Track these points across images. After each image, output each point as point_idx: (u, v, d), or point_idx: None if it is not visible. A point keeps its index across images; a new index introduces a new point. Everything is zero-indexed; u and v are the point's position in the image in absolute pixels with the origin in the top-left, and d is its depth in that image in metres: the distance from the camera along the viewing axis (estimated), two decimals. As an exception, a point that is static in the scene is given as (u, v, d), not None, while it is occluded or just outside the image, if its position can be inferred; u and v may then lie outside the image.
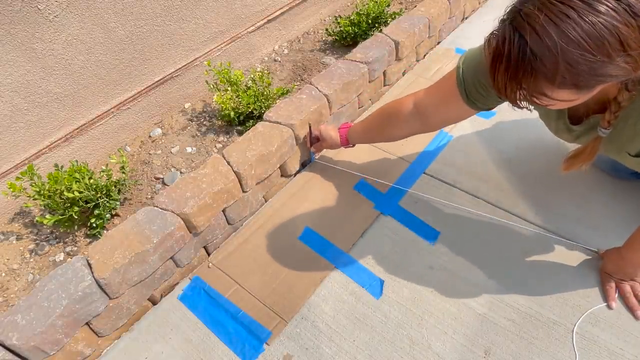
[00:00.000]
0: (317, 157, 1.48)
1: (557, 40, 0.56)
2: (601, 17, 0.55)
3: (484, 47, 0.85)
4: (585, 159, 0.88)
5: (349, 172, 1.41)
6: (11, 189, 1.09)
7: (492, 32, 0.67)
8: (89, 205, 1.15)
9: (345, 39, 1.80)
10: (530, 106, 0.73)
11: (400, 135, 1.20)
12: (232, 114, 1.43)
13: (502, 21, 0.64)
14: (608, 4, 0.55)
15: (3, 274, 1.12)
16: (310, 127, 1.37)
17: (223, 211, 1.23)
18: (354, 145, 1.36)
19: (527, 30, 0.58)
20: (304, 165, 1.50)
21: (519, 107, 0.71)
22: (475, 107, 0.98)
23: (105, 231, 1.20)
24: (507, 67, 0.62)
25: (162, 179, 1.34)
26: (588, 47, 0.55)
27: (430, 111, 1.08)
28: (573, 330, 1.00)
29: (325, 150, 1.49)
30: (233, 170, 1.20)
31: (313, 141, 1.40)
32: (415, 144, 1.50)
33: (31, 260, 1.16)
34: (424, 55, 1.96)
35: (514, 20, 0.61)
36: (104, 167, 1.24)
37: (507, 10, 0.65)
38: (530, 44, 0.58)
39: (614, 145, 0.89)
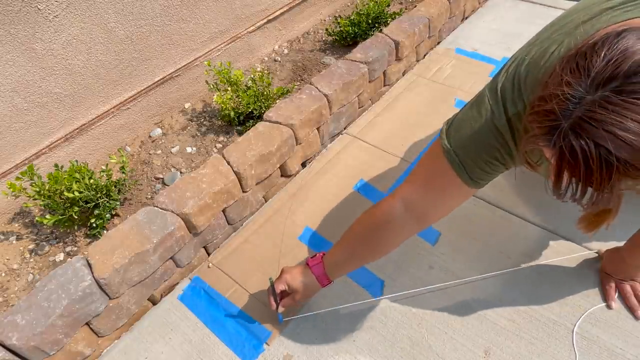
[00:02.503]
0: (285, 319, 1.07)
1: None
2: None
3: (487, 130, 0.75)
4: (612, 217, 0.77)
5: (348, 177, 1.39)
6: (11, 189, 1.09)
7: (541, 136, 0.56)
8: (89, 205, 1.15)
9: (345, 39, 1.80)
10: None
11: (396, 245, 0.95)
12: (232, 114, 1.43)
13: (552, 127, 0.54)
14: None
15: (3, 274, 1.12)
16: (272, 283, 1.03)
17: (223, 211, 1.23)
18: (332, 282, 1.01)
19: (605, 137, 0.50)
20: (304, 165, 1.50)
21: (580, 203, 0.60)
22: (480, 186, 0.84)
23: (105, 231, 1.20)
24: (586, 179, 0.53)
25: (162, 179, 1.34)
26: None
27: (427, 209, 0.89)
28: (573, 330, 1.00)
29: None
30: (233, 170, 1.20)
31: (278, 298, 1.02)
32: (415, 144, 1.50)
33: (31, 260, 1.16)
34: (424, 55, 1.96)
35: (577, 128, 0.51)
36: (104, 167, 1.24)
37: (550, 113, 0.54)
38: (616, 152, 0.50)
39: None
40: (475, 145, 0.79)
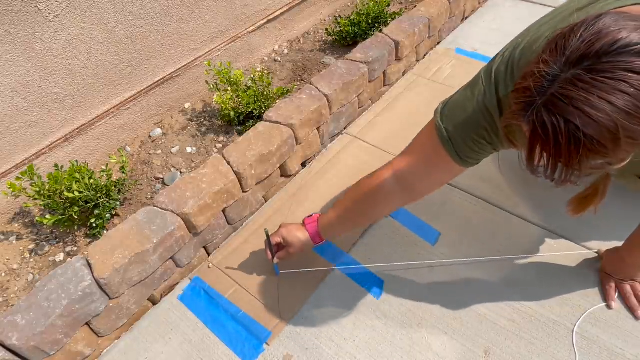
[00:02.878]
0: (282, 271, 1.16)
1: (615, 117, 0.50)
2: None
3: (477, 110, 0.79)
4: (597, 200, 0.80)
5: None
6: (11, 189, 1.09)
7: (518, 112, 0.58)
8: (89, 205, 1.15)
9: (345, 39, 1.80)
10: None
11: (385, 213, 1.06)
12: (232, 114, 1.43)
13: (528, 104, 0.56)
14: None
15: (3, 274, 1.12)
16: (267, 234, 1.10)
17: (223, 211, 1.23)
18: (325, 241, 1.10)
19: (574, 113, 0.52)
20: (304, 165, 1.50)
21: (556, 182, 0.61)
22: (468, 164, 0.87)
23: (105, 231, 1.20)
24: (556, 154, 0.55)
25: (162, 179, 1.34)
26: None
27: (416, 181, 0.94)
28: (573, 330, 1.00)
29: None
30: (233, 170, 1.20)
31: (274, 250, 1.11)
32: (415, 144, 1.50)
33: (31, 260, 1.16)
34: (424, 55, 1.96)
35: (550, 104, 0.54)
36: (104, 167, 1.24)
37: (527, 90, 0.56)
38: (583, 128, 0.52)
39: (622, 173, 0.82)
40: (465, 124, 0.82)
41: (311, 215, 1.10)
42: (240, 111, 1.45)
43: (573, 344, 0.98)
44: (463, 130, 0.82)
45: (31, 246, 1.19)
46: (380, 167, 0.98)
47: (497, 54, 0.81)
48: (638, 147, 0.54)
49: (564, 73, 0.53)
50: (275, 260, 1.11)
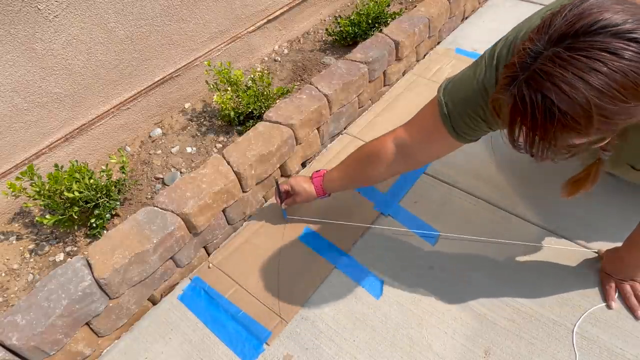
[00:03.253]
0: (289, 216, 1.30)
1: (588, 95, 0.52)
2: (630, 63, 0.51)
3: (476, 89, 0.83)
4: (588, 184, 0.83)
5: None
6: (11, 189, 1.09)
7: (503, 86, 0.61)
8: (89, 205, 1.15)
9: (345, 39, 1.80)
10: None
11: (383, 176, 1.10)
12: (232, 114, 1.43)
13: (512, 78, 0.59)
14: (632, 49, 0.52)
15: (3, 274, 1.12)
16: (277, 183, 1.24)
17: (223, 211, 1.23)
18: (329, 195, 1.23)
19: (550, 89, 0.54)
20: (304, 165, 1.50)
21: (536, 157, 0.65)
22: (464, 140, 0.93)
23: (105, 231, 1.20)
24: (533, 128, 0.58)
25: (162, 179, 1.34)
26: (622, 96, 0.53)
27: (414, 150, 1.00)
28: (573, 330, 1.00)
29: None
30: (233, 170, 1.20)
31: (283, 197, 1.24)
32: (415, 144, 1.50)
33: (31, 260, 1.16)
34: (424, 55, 1.96)
35: (530, 79, 0.56)
36: (104, 167, 1.24)
37: (513, 66, 0.59)
38: (558, 103, 0.54)
39: (615, 162, 0.86)
40: (463, 101, 0.87)
41: (319, 171, 1.21)
42: (240, 111, 1.45)
43: (573, 344, 0.98)
44: (461, 107, 0.87)
45: (31, 246, 1.19)
46: (384, 134, 1.05)
47: (501, 38, 0.84)
48: (613, 127, 0.57)
49: (546, 50, 0.56)
50: (284, 206, 1.26)
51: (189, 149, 1.43)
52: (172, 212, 1.10)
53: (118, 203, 1.23)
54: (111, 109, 1.38)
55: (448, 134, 0.91)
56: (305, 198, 1.21)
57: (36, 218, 1.15)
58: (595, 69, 0.52)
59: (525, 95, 0.57)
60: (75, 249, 1.18)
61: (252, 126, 1.36)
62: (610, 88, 0.52)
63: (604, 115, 0.54)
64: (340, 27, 1.80)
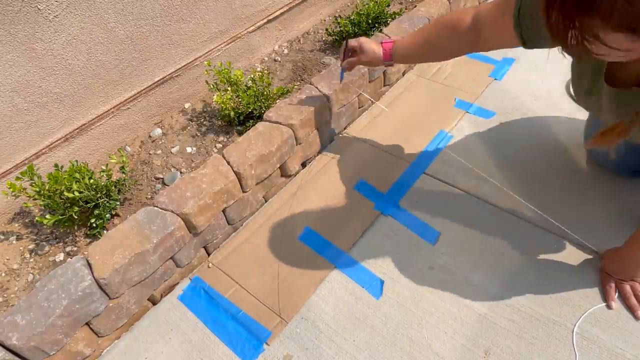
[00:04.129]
0: (346, 73, 1.37)
1: None
2: None
3: None
4: (615, 137, 0.83)
5: (348, 173, 1.40)
6: (11, 189, 1.09)
7: None
8: (89, 205, 1.15)
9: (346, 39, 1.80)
10: (582, 54, 0.66)
11: (451, 50, 1.11)
12: (232, 114, 1.43)
13: None
14: None
15: (3, 274, 1.13)
16: (346, 40, 1.25)
17: (223, 211, 1.23)
18: (393, 65, 1.24)
19: None
20: (304, 165, 1.50)
21: (570, 52, 0.65)
22: (520, 31, 0.90)
23: (105, 231, 1.20)
24: (563, 3, 0.58)
25: (162, 179, 1.34)
26: None
27: (484, 28, 1.00)
28: (573, 330, 1.00)
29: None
30: (233, 170, 1.20)
31: (347, 55, 1.26)
32: (415, 144, 1.50)
33: (31, 260, 1.16)
34: (424, 55, 1.96)
35: None
36: (104, 167, 1.24)
37: None
38: None
39: None
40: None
41: (390, 37, 1.26)
42: (240, 111, 1.45)
43: (573, 344, 0.98)
44: (531, 4, 0.85)
45: (31, 246, 1.19)
46: (467, 8, 1.05)
47: None
48: (632, 38, 0.55)
49: None
50: (345, 64, 1.27)
51: (189, 149, 1.43)
52: (172, 212, 1.10)
53: (118, 203, 1.23)
54: (111, 109, 1.38)
55: (511, 25, 0.90)
56: (370, 58, 1.21)
57: (36, 218, 1.15)
58: None
59: None
60: (75, 249, 1.18)
61: (252, 126, 1.36)
62: None
63: (629, 1, 0.52)
64: (340, 27, 1.80)
